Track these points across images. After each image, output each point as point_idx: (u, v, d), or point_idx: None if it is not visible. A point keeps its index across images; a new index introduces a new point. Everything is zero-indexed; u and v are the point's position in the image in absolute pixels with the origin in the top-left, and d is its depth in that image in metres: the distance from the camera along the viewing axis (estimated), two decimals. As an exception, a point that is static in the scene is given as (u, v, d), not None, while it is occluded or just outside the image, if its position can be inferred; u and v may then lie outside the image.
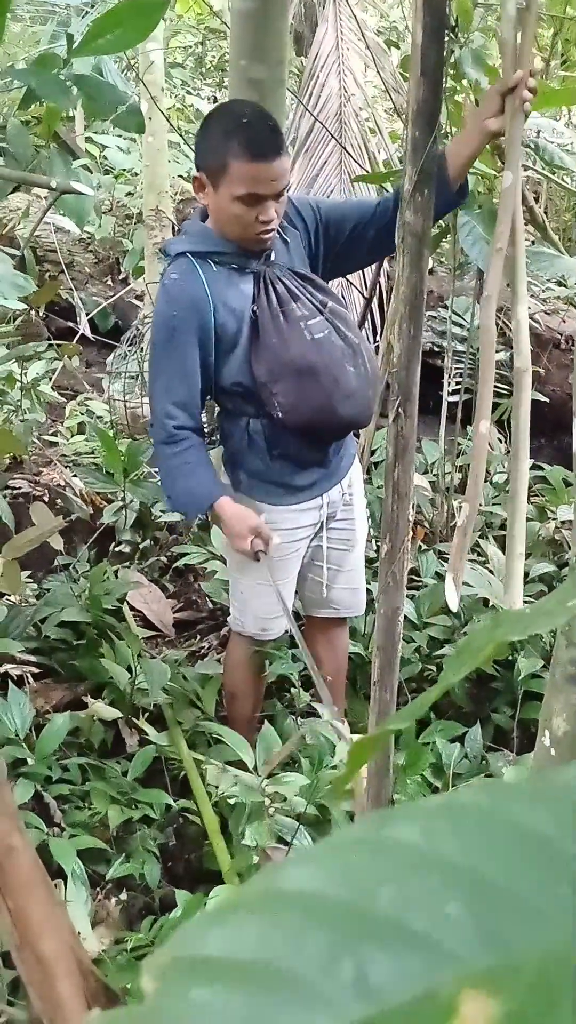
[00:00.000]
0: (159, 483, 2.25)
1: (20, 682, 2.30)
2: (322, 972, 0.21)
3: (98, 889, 1.93)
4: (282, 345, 1.89)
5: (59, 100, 2.23)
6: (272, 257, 1.96)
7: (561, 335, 4.31)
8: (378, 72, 3.77)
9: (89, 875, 1.85)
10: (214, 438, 2.11)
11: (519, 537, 1.32)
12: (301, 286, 1.96)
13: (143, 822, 2.05)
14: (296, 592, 2.28)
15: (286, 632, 2.28)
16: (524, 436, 1.28)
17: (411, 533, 3.21)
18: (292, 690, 2.44)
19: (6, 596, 2.57)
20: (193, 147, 1.92)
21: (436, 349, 3.84)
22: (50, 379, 3.90)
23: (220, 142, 1.79)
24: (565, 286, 4.44)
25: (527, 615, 0.48)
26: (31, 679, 2.38)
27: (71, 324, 4.57)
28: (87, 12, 5.28)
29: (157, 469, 2.13)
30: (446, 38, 2.78)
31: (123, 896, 1.93)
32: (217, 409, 2.09)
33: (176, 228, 4.12)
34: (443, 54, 1.17)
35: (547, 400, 3.83)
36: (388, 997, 0.21)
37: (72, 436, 3.65)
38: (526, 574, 2.78)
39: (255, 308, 1.91)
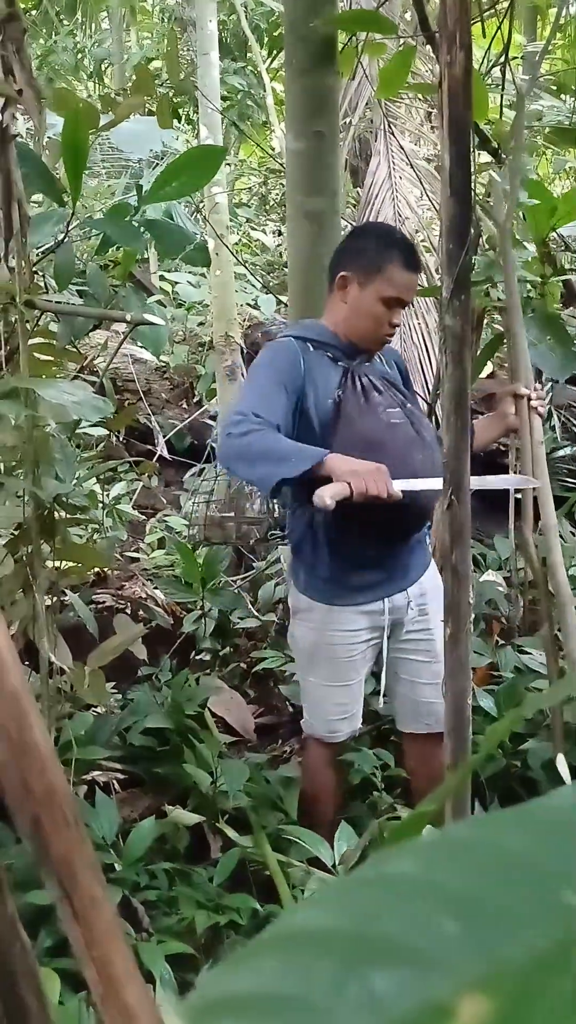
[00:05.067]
0: (249, 470, 1.86)
1: (107, 789, 2.34)
2: (332, 995, 0.23)
3: (187, 996, 1.91)
4: (360, 421, 1.99)
5: (131, 244, 2.45)
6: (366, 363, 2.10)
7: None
8: (428, 196, 3.99)
9: (178, 982, 1.84)
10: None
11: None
12: (387, 386, 2.09)
13: (230, 927, 2.04)
14: (389, 704, 2.27)
15: (356, 732, 2.28)
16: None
17: (488, 628, 3.20)
18: (375, 792, 2.43)
19: (93, 707, 2.65)
20: (337, 253, 2.09)
21: (502, 448, 3.91)
22: (131, 499, 4.09)
23: (379, 249, 1.99)
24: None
25: (539, 697, 0.53)
26: (117, 786, 2.42)
27: (150, 447, 4.80)
28: (156, 164, 5.74)
29: (244, 460, 1.85)
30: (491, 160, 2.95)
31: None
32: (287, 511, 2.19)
33: (244, 352, 4.35)
34: (470, 176, 1.29)
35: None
36: (393, 1009, 0.22)
37: (153, 551, 3.79)
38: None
39: (339, 393, 2.02)
